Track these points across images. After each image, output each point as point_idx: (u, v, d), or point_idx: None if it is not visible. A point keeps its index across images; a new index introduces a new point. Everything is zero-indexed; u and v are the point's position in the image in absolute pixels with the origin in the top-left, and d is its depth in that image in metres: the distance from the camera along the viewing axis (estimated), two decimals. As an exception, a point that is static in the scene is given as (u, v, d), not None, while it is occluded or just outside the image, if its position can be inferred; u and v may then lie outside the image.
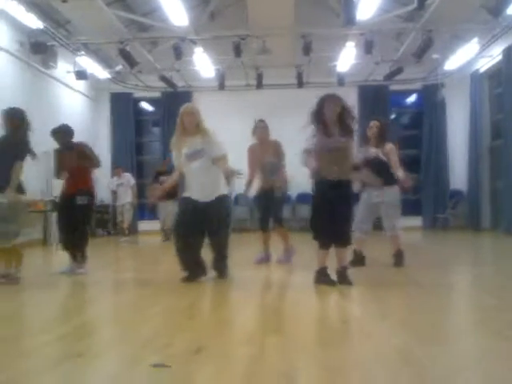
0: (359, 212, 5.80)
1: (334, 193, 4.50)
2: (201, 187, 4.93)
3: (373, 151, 5.82)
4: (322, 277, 4.64)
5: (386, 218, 5.87)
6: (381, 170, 5.67)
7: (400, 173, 5.75)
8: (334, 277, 4.66)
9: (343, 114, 4.55)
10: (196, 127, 4.90)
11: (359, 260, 5.86)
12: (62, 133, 5.96)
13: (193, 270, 4.98)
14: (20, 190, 5.16)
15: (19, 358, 2.64)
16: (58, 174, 6.08)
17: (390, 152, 5.80)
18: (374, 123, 5.94)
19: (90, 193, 5.89)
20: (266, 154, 6.26)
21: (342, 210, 4.55)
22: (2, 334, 3.17)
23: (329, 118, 4.53)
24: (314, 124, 4.62)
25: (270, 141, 6.46)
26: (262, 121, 6.51)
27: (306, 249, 7.34)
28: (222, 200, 4.98)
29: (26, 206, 5.44)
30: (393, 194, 5.79)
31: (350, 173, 4.67)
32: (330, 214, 4.53)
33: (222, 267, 5.10)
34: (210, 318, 3.69)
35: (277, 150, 6.35)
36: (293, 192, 12.69)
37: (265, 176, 6.22)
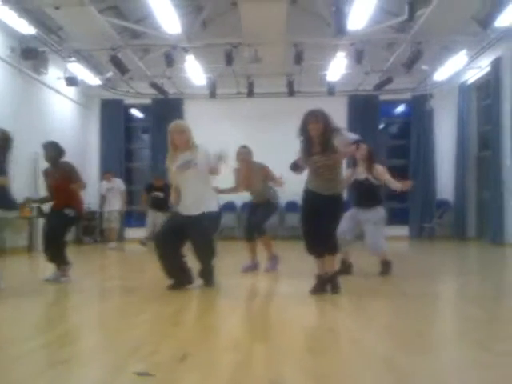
0: (343, 222, 5.79)
1: (319, 203, 4.54)
2: (186, 200, 4.95)
3: (363, 173, 5.91)
4: (316, 285, 4.67)
5: (368, 235, 5.93)
6: (370, 192, 5.88)
7: (396, 185, 5.89)
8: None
9: (325, 133, 4.47)
10: (186, 144, 4.93)
11: (345, 269, 5.89)
12: (50, 148, 5.90)
13: (177, 277, 4.96)
14: (13, 205, 5.15)
15: (3, 366, 2.63)
16: (47, 192, 6.09)
17: (382, 173, 5.91)
18: (362, 146, 5.86)
19: (77, 209, 5.90)
20: (255, 180, 6.41)
21: (326, 220, 4.56)
22: (-14, 341, 3.15)
23: (313, 136, 4.52)
24: (300, 140, 4.64)
25: (255, 164, 6.55)
26: (244, 147, 6.59)
27: (293, 257, 7.39)
28: (208, 217, 4.93)
29: (8, 223, 5.37)
30: (378, 213, 5.94)
31: (339, 188, 4.68)
32: (313, 223, 4.58)
33: (207, 276, 5.09)
34: (196, 325, 3.69)
35: (265, 175, 6.50)
36: (281, 200, 12.72)
37: (257, 193, 6.50)
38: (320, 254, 4.65)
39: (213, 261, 5.10)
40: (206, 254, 4.99)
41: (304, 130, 4.56)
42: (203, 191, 4.96)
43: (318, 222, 4.54)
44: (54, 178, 5.84)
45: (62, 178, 5.78)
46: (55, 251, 5.76)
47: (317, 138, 4.51)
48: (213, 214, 5.00)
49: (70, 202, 5.80)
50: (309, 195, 4.66)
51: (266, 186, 6.54)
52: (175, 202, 5.07)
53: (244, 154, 6.52)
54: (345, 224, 5.69)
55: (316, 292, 4.60)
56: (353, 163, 6.08)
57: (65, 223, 5.85)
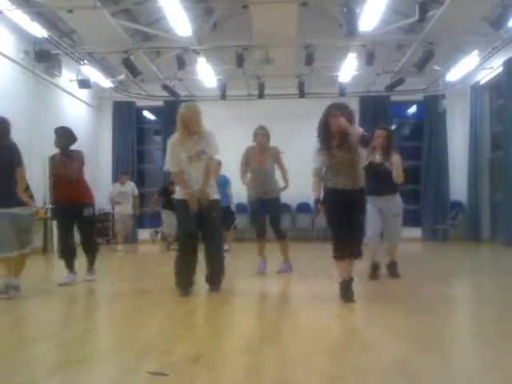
0: (369, 225, 5.68)
1: (344, 201, 4.35)
2: (193, 186, 4.87)
3: (379, 158, 5.72)
4: (342, 292, 4.42)
5: (387, 227, 5.79)
6: (387, 178, 5.63)
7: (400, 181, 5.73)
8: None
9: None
10: (198, 128, 4.84)
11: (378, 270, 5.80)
12: (61, 133, 5.80)
13: (186, 286, 4.83)
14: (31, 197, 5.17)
15: (18, 365, 2.66)
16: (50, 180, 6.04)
17: (398, 163, 5.70)
18: (380, 132, 5.72)
19: (93, 204, 5.93)
20: (265, 162, 6.27)
21: (354, 220, 4.38)
22: (3, 341, 3.19)
23: (333, 129, 4.37)
24: (319, 135, 4.46)
25: (270, 148, 6.41)
26: (261, 127, 6.43)
27: (305, 259, 7.39)
28: (215, 203, 4.96)
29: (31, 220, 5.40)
30: (397, 203, 5.79)
31: (360, 182, 4.48)
32: (341, 223, 4.36)
33: (216, 280, 4.98)
34: (208, 326, 3.70)
35: (276, 157, 6.36)
36: (292, 202, 12.72)
37: (259, 183, 6.28)
38: (347, 256, 4.41)
39: (223, 263, 5.05)
40: (216, 252, 4.94)
41: (325, 124, 4.38)
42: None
43: (347, 219, 4.35)
44: (66, 168, 5.67)
45: (77, 168, 5.69)
46: (90, 252, 5.86)
47: (337, 132, 4.36)
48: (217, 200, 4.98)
49: (86, 197, 5.78)
50: (330, 194, 4.44)
51: (273, 174, 6.35)
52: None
53: (260, 136, 6.31)
54: (370, 227, 5.61)
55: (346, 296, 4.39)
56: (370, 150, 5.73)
57: (89, 224, 5.89)
